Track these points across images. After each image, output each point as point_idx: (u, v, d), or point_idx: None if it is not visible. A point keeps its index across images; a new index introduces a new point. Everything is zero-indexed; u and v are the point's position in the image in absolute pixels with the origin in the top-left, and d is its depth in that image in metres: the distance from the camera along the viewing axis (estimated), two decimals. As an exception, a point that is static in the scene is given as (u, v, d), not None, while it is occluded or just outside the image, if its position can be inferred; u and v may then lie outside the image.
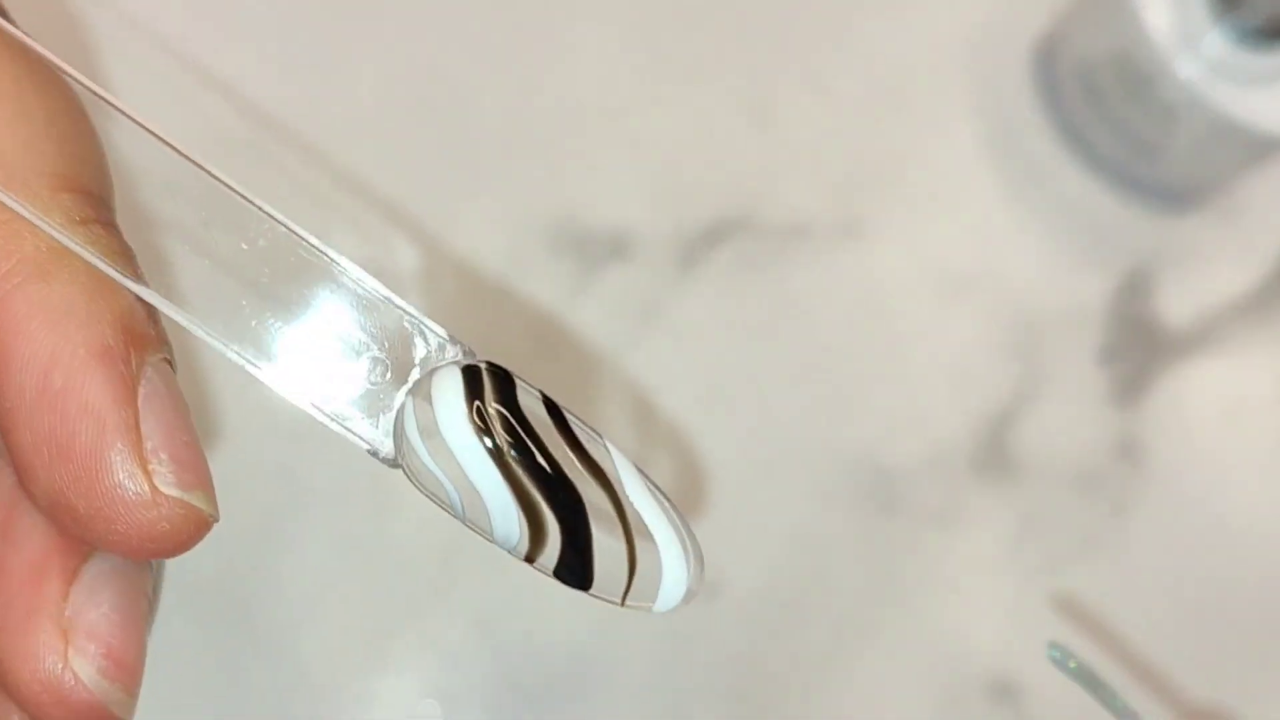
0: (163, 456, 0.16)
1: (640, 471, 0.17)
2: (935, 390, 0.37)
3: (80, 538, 0.17)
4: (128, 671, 0.18)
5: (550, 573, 0.17)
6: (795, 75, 0.39)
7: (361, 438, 0.17)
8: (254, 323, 0.17)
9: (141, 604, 0.18)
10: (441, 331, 0.18)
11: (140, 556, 0.17)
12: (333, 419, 0.17)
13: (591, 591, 0.17)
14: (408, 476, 0.17)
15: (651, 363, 0.35)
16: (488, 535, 0.17)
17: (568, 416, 0.17)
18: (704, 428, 0.35)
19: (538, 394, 0.17)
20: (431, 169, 0.36)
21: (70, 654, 0.17)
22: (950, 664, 0.34)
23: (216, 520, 0.17)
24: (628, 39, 0.38)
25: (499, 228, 0.36)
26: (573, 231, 0.36)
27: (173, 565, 0.33)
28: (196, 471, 0.17)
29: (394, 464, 0.17)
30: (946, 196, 0.39)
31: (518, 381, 0.17)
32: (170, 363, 0.17)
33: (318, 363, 0.17)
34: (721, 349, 0.36)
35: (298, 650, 0.33)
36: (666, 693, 0.33)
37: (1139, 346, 0.38)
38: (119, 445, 0.16)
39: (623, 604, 0.17)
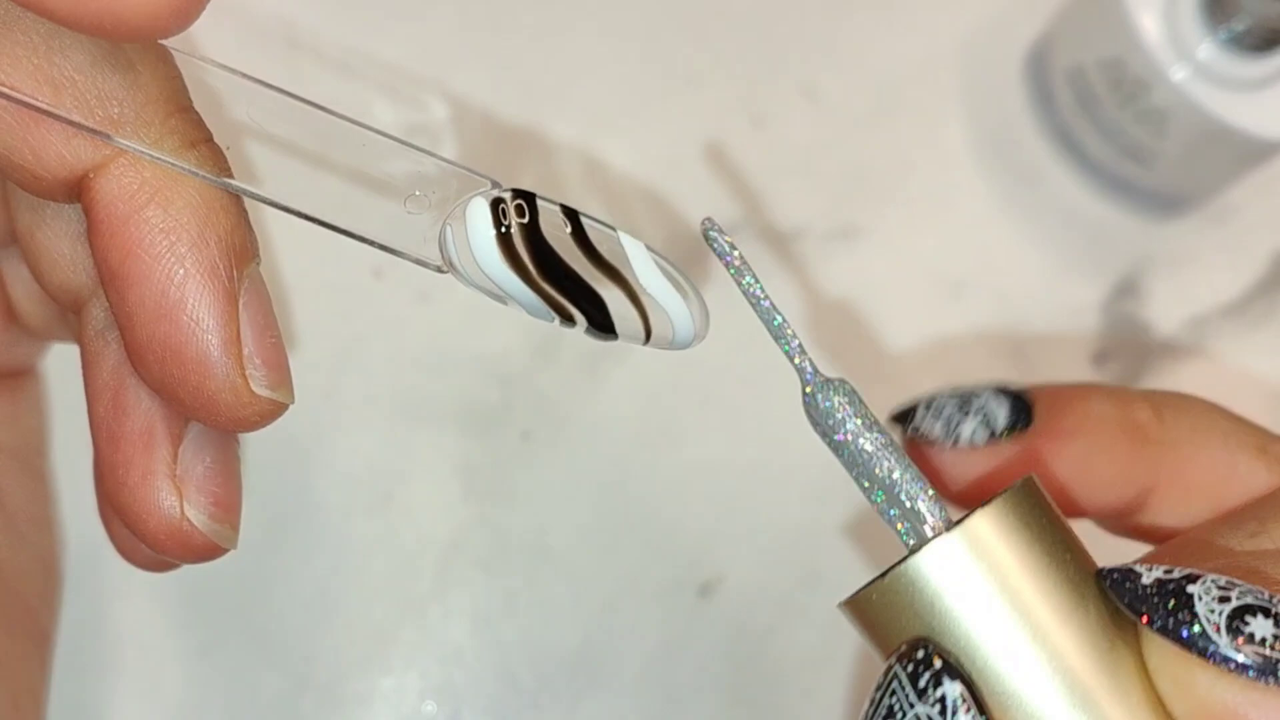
0: (257, 362, 0.19)
1: (649, 251, 0.20)
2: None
3: (182, 412, 0.20)
4: (231, 511, 0.21)
5: (584, 332, 0.20)
6: (790, 81, 0.39)
7: (412, 256, 0.20)
8: (314, 188, 0.20)
9: (235, 453, 0.21)
10: (467, 169, 0.20)
11: (229, 432, 0.20)
12: (394, 249, 0.20)
13: (619, 338, 0.20)
14: (457, 279, 0.20)
15: (649, 364, 0.36)
16: (528, 315, 0.20)
17: (583, 220, 0.20)
18: (702, 428, 0.35)
19: (556, 206, 0.20)
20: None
21: (186, 505, 0.20)
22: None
23: (292, 403, 0.20)
24: (625, 46, 0.39)
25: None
26: (571, 235, 0.36)
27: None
28: (281, 371, 0.20)
29: (441, 270, 0.20)
30: (940, 201, 0.39)
31: (538, 199, 0.20)
32: (258, 262, 0.20)
33: (372, 209, 0.20)
34: (718, 351, 0.36)
35: (299, 650, 0.33)
36: (665, 692, 0.34)
37: (1131, 349, 0.38)
38: (224, 357, 0.19)
39: (646, 345, 0.21)
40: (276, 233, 0.35)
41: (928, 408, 0.22)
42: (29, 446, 0.27)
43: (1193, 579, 0.17)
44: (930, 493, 0.19)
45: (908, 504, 0.19)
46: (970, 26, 0.40)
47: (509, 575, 0.34)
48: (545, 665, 0.33)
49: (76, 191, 0.19)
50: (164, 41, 0.19)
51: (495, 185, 0.20)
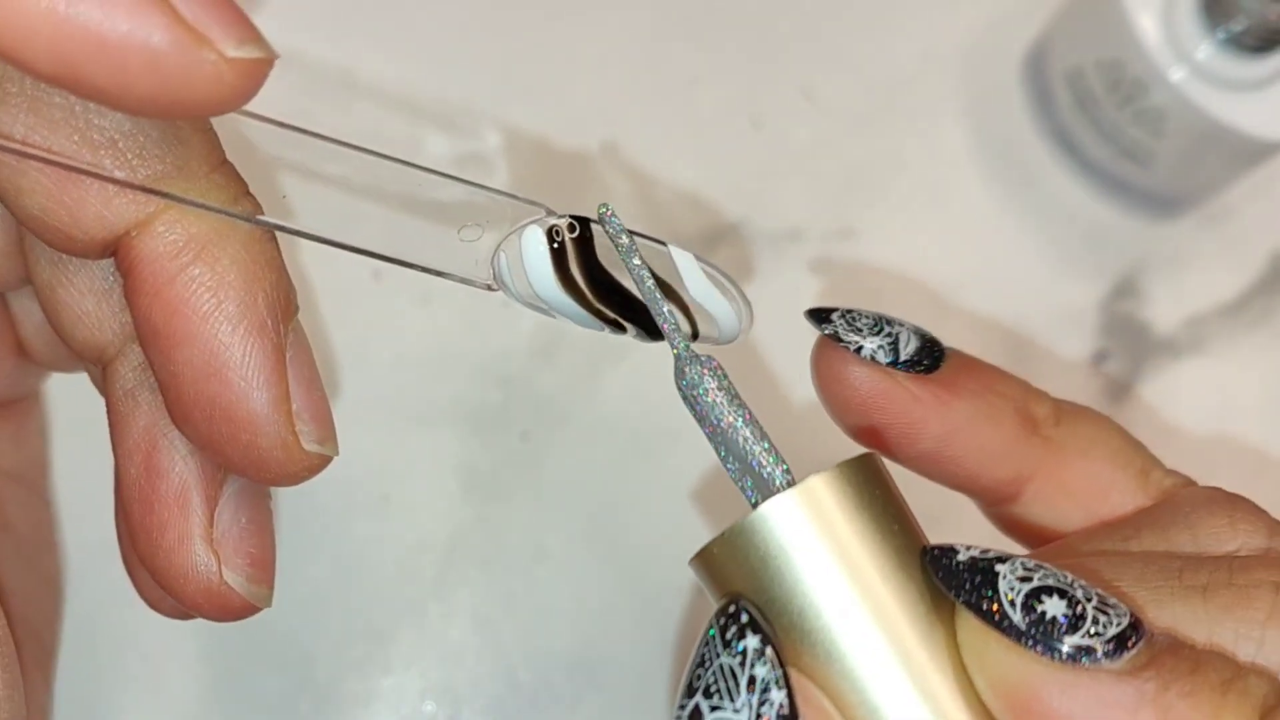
0: (305, 417, 0.19)
1: (698, 260, 0.21)
2: (929, 393, 0.37)
3: (225, 466, 0.20)
4: (267, 570, 0.21)
5: (633, 337, 0.21)
6: (790, 83, 0.39)
7: (467, 278, 0.21)
8: (368, 221, 0.20)
9: (268, 512, 0.21)
10: (524, 199, 0.21)
11: (275, 485, 0.20)
12: (443, 272, 0.21)
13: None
14: (508, 297, 0.21)
15: (649, 365, 0.36)
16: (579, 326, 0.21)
17: (635, 235, 0.20)
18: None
19: (608, 223, 0.20)
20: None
21: (224, 569, 0.20)
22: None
23: (337, 455, 0.20)
24: (627, 49, 0.39)
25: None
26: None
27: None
28: (327, 425, 0.20)
29: (492, 288, 0.21)
30: (939, 202, 0.39)
31: (592, 223, 0.20)
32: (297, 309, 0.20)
33: (424, 237, 0.21)
34: (716, 352, 0.36)
35: (299, 650, 0.33)
36: (664, 692, 0.34)
37: (1129, 349, 0.38)
38: (274, 416, 0.19)
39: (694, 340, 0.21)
40: (281, 234, 0.35)
41: (846, 314, 0.23)
42: (32, 469, 0.27)
43: (1002, 559, 0.18)
44: (783, 466, 0.20)
45: (758, 470, 0.20)
46: (969, 28, 0.41)
47: (509, 575, 0.34)
48: (545, 665, 0.33)
49: (111, 250, 0.19)
50: None
51: (550, 213, 0.20)
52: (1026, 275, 0.38)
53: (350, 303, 0.35)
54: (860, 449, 0.20)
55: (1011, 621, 0.17)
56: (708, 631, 0.19)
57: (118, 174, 0.18)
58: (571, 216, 0.20)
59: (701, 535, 0.35)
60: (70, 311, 0.20)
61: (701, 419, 0.21)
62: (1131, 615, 0.17)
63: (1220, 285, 0.39)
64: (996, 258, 0.39)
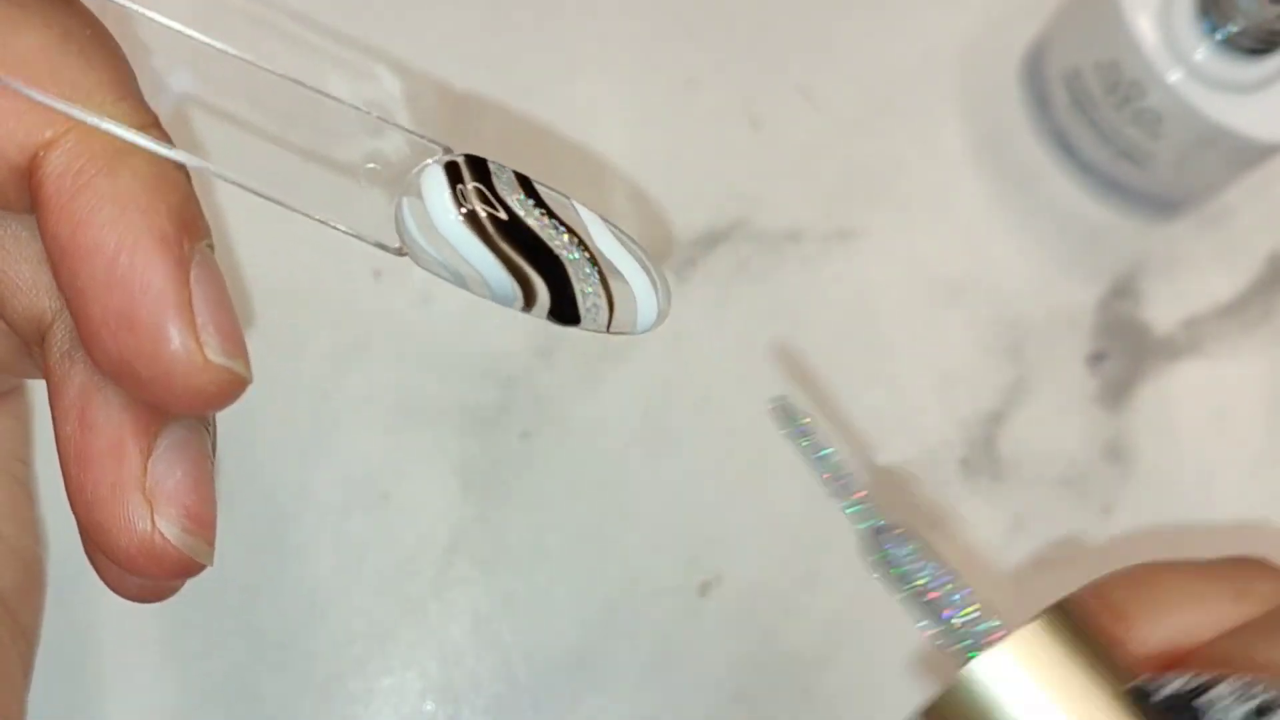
0: (210, 329, 0.19)
1: (605, 221, 0.20)
2: (926, 393, 0.37)
3: (139, 398, 0.19)
4: (205, 525, 0.20)
5: (545, 316, 0.20)
6: (787, 84, 0.39)
7: (368, 239, 0.20)
8: (273, 167, 0.20)
9: (207, 466, 0.21)
10: (419, 133, 0.20)
11: (189, 412, 0.20)
12: (345, 230, 0.20)
13: (581, 325, 0.20)
14: (413, 260, 0.20)
15: (648, 365, 0.36)
16: (488, 298, 0.20)
17: (537, 187, 0.20)
18: (699, 428, 0.36)
19: (510, 172, 0.20)
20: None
21: (157, 519, 0.20)
22: (941, 660, 0.35)
23: (250, 382, 0.20)
24: (625, 49, 0.39)
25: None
26: (570, 236, 0.36)
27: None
28: (237, 342, 0.19)
29: (399, 253, 0.20)
30: (936, 203, 0.39)
31: (490, 165, 0.20)
32: (211, 247, 0.20)
33: (327, 186, 0.20)
34: (716, 352, 0.36)
35: (299, 650, 0.33)
36: (664, 691, 0.34)
37: (1127, 350, 0.38)
38: (177, 321, 0.19)
39: (609, 331, 0.20)
40: (281, 234, 0.35)
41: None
42: (5, 451, 0.27)
43: (1212, 680, 0.18)
44: (995, 621, 0.20)
45: (964, 623, 0.20)
46: (967, 29, 0.41)
47: (508, 575, 0.34)
48: (544, 665, 0.33)
49: (27, 189, 0.19)
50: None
51: (448, 151, 0.20)
52: (1024, 276, 0.39)
53: (350, 302, 0.35)
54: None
55: None
56: None
57: (29, 91, 0.19)
58: (467, 155, 0.20)
59: (700, 534, 0.36)
60: (9, 280, 0.21)
61: (902, 585, 0.21)
62: None
63: (1218, 286, 0.39)
64: (994, 259, 0.39)
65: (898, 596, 0.21)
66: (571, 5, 0.39)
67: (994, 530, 0.36)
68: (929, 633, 0.20)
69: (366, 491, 0.34)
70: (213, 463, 0.21)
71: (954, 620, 0.20)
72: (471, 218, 0.19)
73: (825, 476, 0.21)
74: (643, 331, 0.21)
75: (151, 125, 0.20)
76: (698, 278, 0.37)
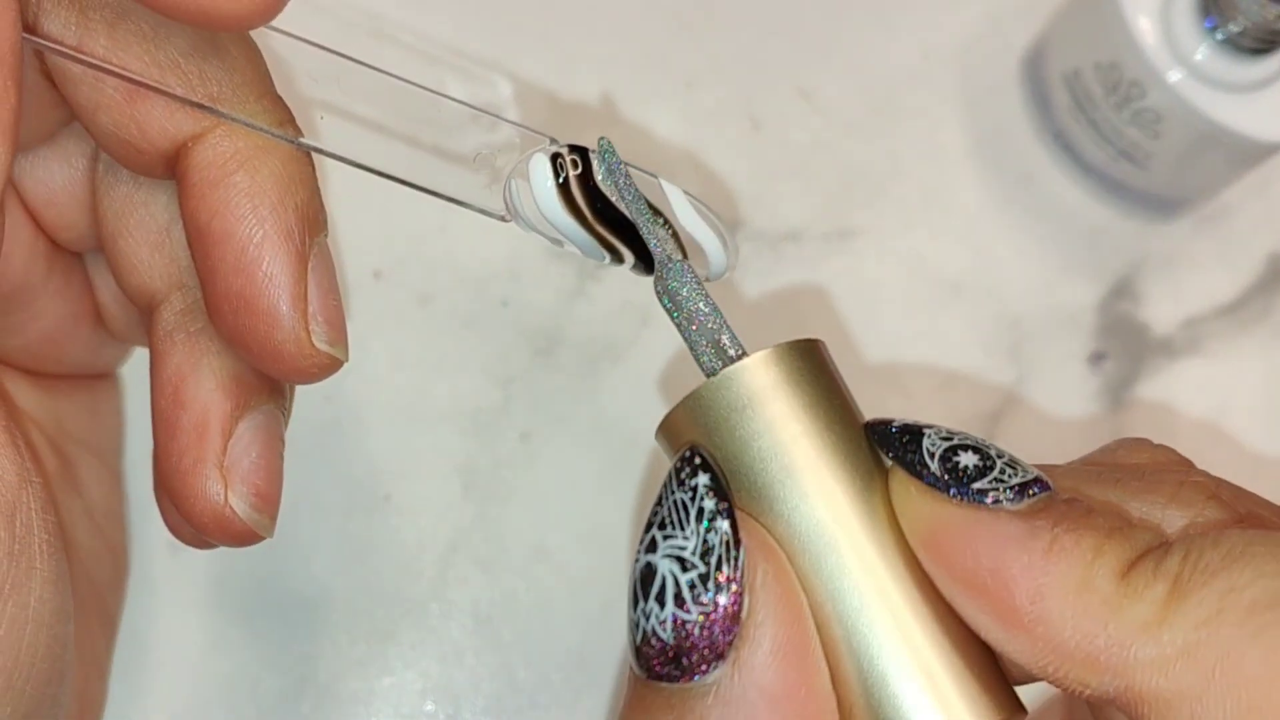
0: (319, 319, 0.21)
1: (686, 194, 0.23)
2: (926, 392, 0.37)
3: (250, 364, 0.22)
4: (271, 503, 0.23)
5: (630, 270, 0.23)
6: (789, 84, 0.39)
7: (480, 208, 0.23)
8: (386, 151, 0.23)
9: (278, 449, 0.23)
10: (528, 127, 0.23)
11: (288, 381, 0.22)
12: (457, 199, 0.23)
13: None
14: (519, 226, 0.23)
15: (648, 365, 0.36)
16: (581, 256, 0.23)
17: (628, 168, 0.23)
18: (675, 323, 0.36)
19: (604, 152, 0.22)
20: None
21: (230, 494, 0.22)
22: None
23: (346, 362, 0.22)
24: (625, 50, 0.39)
25: (499, 236, 0.36)
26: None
27: (177, 566, 0.33)
28: (340, 330, 0.22)
29: (504, 219, 0.23)
30: (937, 203, 0.39)
31: (591, 153, 0.23)
32: (326, 236, 0.22)
33: (441, 170, 0.23)
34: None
35: (299, 650, 0.33)
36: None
37: (1127, 350, 0.38)
38: (291, 311, 0.21)
39: None
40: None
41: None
42: (107, 445, 0.29)
43: (929, 426, 0.21)
44: (742, 349, 0.22)
45: (721, 348, 0.22)
46: (967, 30, 0.41)
47: (508, 575, 0.34)
48: (544, 665, 0.33)
49: (172, 166, 0.21)
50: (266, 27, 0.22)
51: (553, 142, 0.23)
52: (1024, 276, 0.39)
53: (350, 302, 0.35)
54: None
55: (929, 470, 0.20)
56: (667, 473, 0.20)
57: (179, 91, 0.21)
58: (571, 145, 0.22)
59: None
60: (128, 259, 0.23)
61: (678, 311, 0.23)
62: (1037, 474, 0.20)
63: (1218, 286, 0.40)
64: (994, 259, 0.39)
65: (678, 321, 0.23)
66: (571, 4, 0.39)
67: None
68: (696, 357, 0.22)
69: (367, 492, 0.34)
70: (282, 449, 0.23)
71: (716, 345, 0.22)
72: (570, 201, 0.22)
73: (630, 208, 0.23)
74: (714, 280, 0.24)
75: (287, 121, 0.22)
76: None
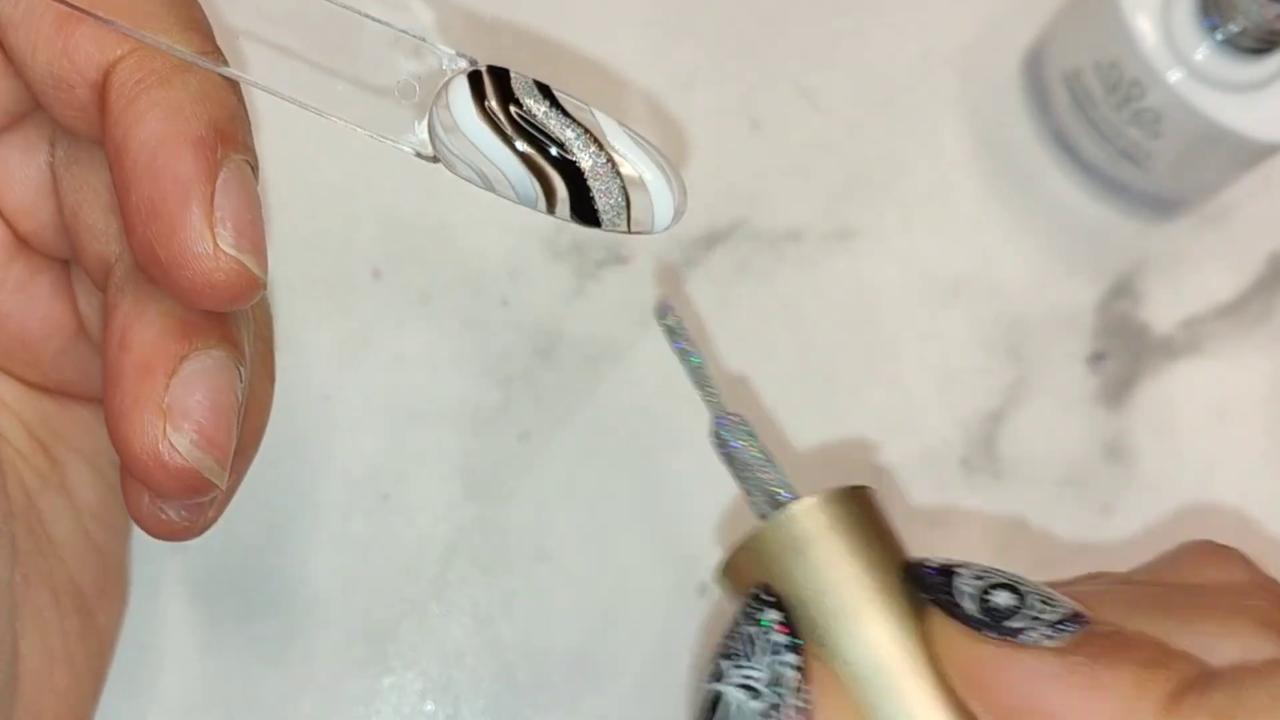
0: (228, 224, 0.21)
1: (622, 125, 0.22)
2: (927, 392, 0.37)
3: (164, 288, 0.21)
4: (217, 446, 0.22)
5: (568, 217, 0.22)
6: (789, 83, 0.39)
7: (404, 145, 0.22)
8: (311, 83, 0.22)
9: (229, 398, 0.22)
10: (448, 49, 0.22)
11: (203, 304, 0.21)
12: (384, 137, 0.22)
13: (603, 227, 0.22)
14: (446, 166, 0.22)
15: (648, 365, 0.36)
16: (514, 199, 0.22)
17: (556, 93, 0.22)
18: (699, 428, 0.36)
19: (530, 80, 0.22)
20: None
21: (168, 429, 0.21)
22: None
23: (264, 285, 0.22)
24: (623, 48, 0.39)
25: (498, 236, 0.36)
26: (571, 236, 0.36)
27: (176, 566, 0.33)
28: (253, 240, 0.21)
29: (433, 159, 0.22)
30: (937, 203, 0.39)
31: (512, 74, 0.22)
32: (253, 168, 0.22)
33: (364, 99, 0.22)
34: (716, 351, 0.36)
35: (299, 650, 0.33)
36: (663, 691, 0.34)
37: (1127, 349, 0.38)
38: (195, 209, 0.21)
39: (629, 231, 0.22)
40: (280, 234, 0.35)
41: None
42: (103, 458, 0.28)
43: (963, 566, 0.22)
44: (788, 484, 0.24)
45: (774, 494, 0.24)
46: (967, 29, 0.41)
47: (508, 575, 0.34)
48: (544, 665, 0.33)
49: (99, 94, 0.21)
50: None
51: (473, 63, 0.22)
52: (1024, 276, 0.39)
53: (350, 302, 0.35)
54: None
55: (966, 611, 0.21)
56: (737, 612, 0.22)
57: (102, 13, 0.21)
58: (489, 66, 0.22)
59: (700, 535, 0.36)
60: (87, 229, 0.24)
61: (733, 464, 0.24)
62: (1074, 607, 0.20)
63: (1218, 286, 0.40)
64: (994, 259, 0.39)
65: (733, 471, 0.24)
66: (570, 3, 0.39)
67: (994, 529, 0.36)
68: (753, 506, 0.24)
69: (367, 492, 0.34)
70: (239, 397, 0.23)
71: (771, 491, 0.24)
72: (492, 120, 0.21)
73: (693, 380, 0.24)
74: (660, 230, 0.22)
75: (212, 52, 0.22)
76: (698, 277, 0.37)
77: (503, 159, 0.21)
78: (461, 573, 0.34)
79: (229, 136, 0.21)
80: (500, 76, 0.22)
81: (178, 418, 0.21)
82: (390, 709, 0.33)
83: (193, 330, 0.22)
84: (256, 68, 0.22)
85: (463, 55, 0.22)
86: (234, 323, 0.23)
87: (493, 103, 0.21)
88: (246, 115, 0.23)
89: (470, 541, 0.34)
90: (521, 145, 0.21)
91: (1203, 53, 0.35)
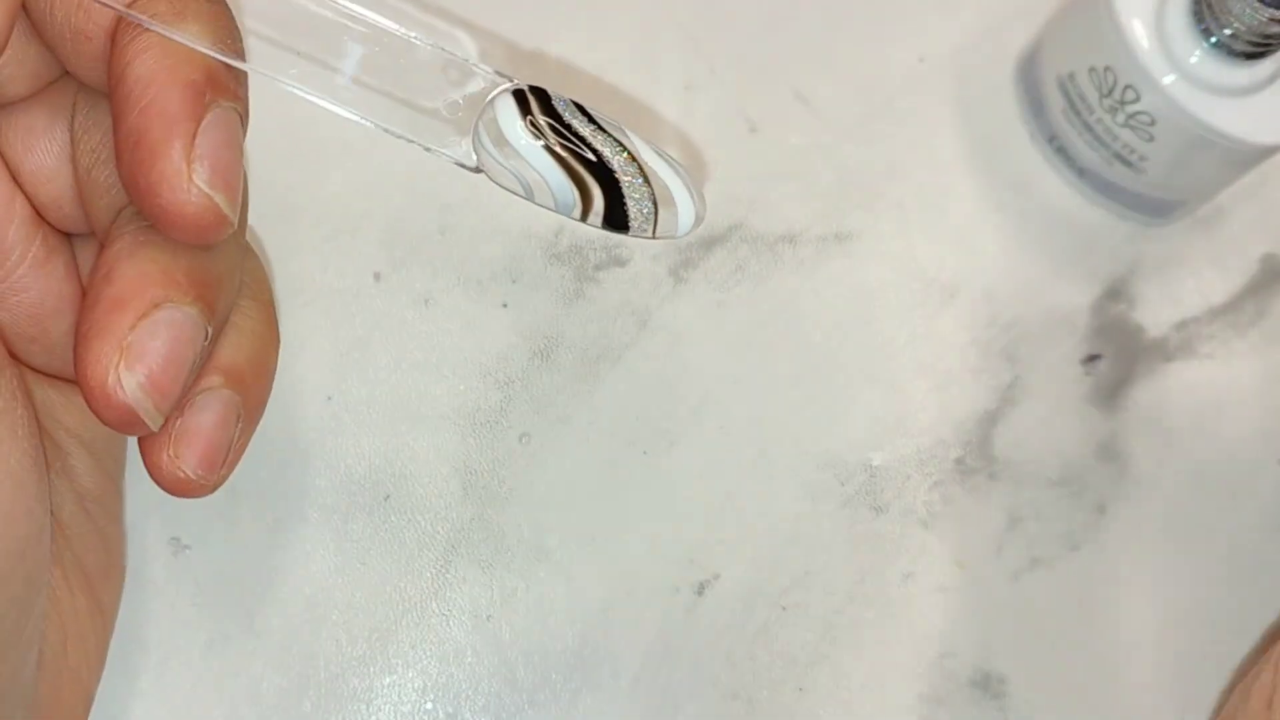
0: (205, 162, 0.22)
1: (650, 144, 0.24)
2: (922, 394, 0.37)
3: (142, 212, 0.22)
4: (162, 394, 0.23)
5: (600, 225, 0.24)
6: (785, 87, 0.39)
7: (453, 157, 0.24)
8: (359, 97, 0.24)
9: (187, 352, 0.23)
10: (491, 70, 0.24)
11: (174, 234, 0.22)
12: (433, 147, 0.24)
13: (630, 233, 0.24)
14: (489, 176, 0.24)
15: (647, 365, 0.36)
16: (552, 207, 0.24)
17: (592, 112, 0.24)
18: (698, 428, 0.36)
19: (568, 99, 0.24)
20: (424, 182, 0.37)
21: (121, 366, 0.22)
22: (937, 661, 0.35)
23: (233, 224, 0.23)
24: (621, 53, 0.39)
25: (498, 239, 0.37)
26: (570, 239, 0.37)
27: (177, 566, 0.33)
28: (228, 181, 0.22)
29: (475, 169, 0.24)
30: (932, 206, 0.39)
31: (551, 92, 0.24)
32: (242, 118, 0.23)
33: (414, 112, 0.24)
34: (714, 353, 0.37)
35: (299, 649, 0.33)
36: (662, 690, 0.34)
37: (1121, 352, 0.39)
38: (176, 143, 0.22)
39: (654, 237, 0.24)
40: (282, 236, 0.35)
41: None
42: (104, 449, 0.29)
43: None
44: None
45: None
46: (962, 34, 0.41)
47: (508, 575, 0.34)
48: (544, 664, 0.34)
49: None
50: None
51: (515, 82, 0.24)
52: (1019, 279, 0.39)
53: (350, 303, 0.35)
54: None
55: None
56: None
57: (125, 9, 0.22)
58: (530, 85, 0.24)
59: (698, 534, 0.36)
60: (100, 185, 0.25)
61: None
62: None
63: (1212, 288, 0.40)
64: (989, 261, 0.39)
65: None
66: (570, 7, 0.39)
67: (989, 529, 0.36)
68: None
69: (367, 492, 0.34)
70: (196, 355, 0.23)
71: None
72: (537, 131, 0.23)
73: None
74: (682, 235, 0.24)
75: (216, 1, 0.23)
76: (696, 279, 0.37)
77: (546, 167, 0.23)
78: (461, 573, 0.34)
79: (221, 84, 0.22)
80: (541, 95, 0.24)
81: (133, 358, 0.22)
82: (390, 707, 0.33)
83: (173, 281, 0.23)
84: (311, 80, 0.23)
85: (504, 76, 0.24)
86: (216, 287, 0.24)
87: (537, 116, 0.23)
88: (245, 72, 0.23)
89: (470, 541, 0.34)
90: (564, 155, 0.23)
91: (1196, 57, 0.35)
